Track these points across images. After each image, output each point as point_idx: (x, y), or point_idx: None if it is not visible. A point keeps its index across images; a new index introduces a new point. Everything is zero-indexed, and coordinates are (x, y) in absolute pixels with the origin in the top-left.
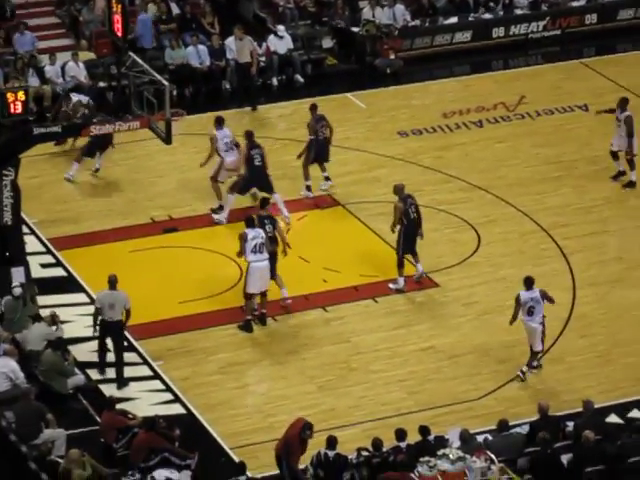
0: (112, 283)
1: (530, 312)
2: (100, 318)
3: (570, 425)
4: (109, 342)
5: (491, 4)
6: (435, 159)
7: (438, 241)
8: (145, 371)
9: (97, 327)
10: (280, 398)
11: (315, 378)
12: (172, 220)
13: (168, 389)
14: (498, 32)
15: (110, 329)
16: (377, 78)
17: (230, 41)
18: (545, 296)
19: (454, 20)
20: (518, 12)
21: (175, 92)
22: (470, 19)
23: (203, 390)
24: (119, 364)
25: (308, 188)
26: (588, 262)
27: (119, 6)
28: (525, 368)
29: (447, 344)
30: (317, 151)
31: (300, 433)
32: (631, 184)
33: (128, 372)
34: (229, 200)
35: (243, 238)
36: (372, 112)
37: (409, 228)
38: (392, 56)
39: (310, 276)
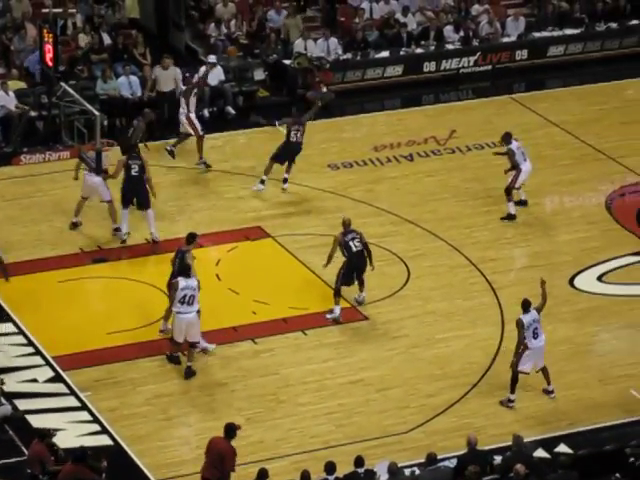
0: None
1: (535, 335)
2: None
3: (498, 459)
4: None
5: (422, 41)
6: (366, 192)
7: (368, 274)
8: (72, 402)
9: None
10: (208, 430)
11: (243, 410)
12: (101, 250)
13: (95, 420)
14: (429, 66)
15: None
16: (308, 111)
17: (158, 71)
18: (539, 311)
19: (386, 54)
20: (449, 47)
21: (106, 122)
22: (402, 53)
23: (131, 421)
24: None
25: (262, 182)
26: (517, 297)
27: (50, 36)
28: (551, 387)
29: (376, 377)
30: (286, 152)
31: (228, 440)
32: (510, 217)
33: (55, 403)
34: (123, 215)
35: (173, 287)
36: (303, 145)
37: (350, 261)
38: (323, 89)
39: (239, 308)
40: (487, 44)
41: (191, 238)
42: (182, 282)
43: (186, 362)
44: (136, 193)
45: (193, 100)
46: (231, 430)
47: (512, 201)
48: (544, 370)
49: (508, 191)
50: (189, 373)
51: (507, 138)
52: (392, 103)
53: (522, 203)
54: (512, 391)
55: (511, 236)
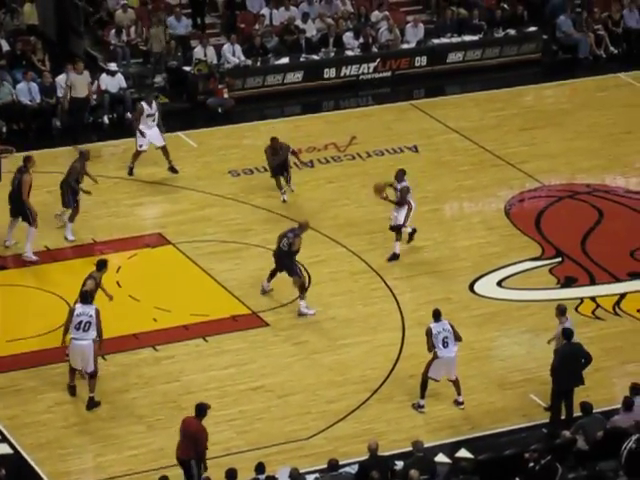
0: None
1: (445, 343)
2: None
3: (399, 464)
4: None
5: (322, 48)
6: (266, 199)
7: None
8: None
9: None
10: (109, 437)
11: (145, 417)
12: (1, 258)
13: None
14: (329, 73)
15: None
16: (209, 117)
17: (61, 78)
18: (454, 330)
19: (286, 60)
20: (349, 53)
21: (4, 129)
22: (301, 59)
23: (31, 429)
24: None
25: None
26: (417, 302)
27: None
28: (461, 398)
29: (277, 383)
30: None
31: (200, 420)
32: (395, 256)
33: None
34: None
35: (70, 312)
36: (203, 151)
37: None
38: (224, 95)
39: (140, 315)
40: (387, 50)
41: (102, 264)
42: (78, 308)
43: (88, 393)
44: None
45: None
46: (202, 409)
47: (400, 240)
48: (455, 382)
49: (398, 229)
50: (91, 404)
51: (401, 175)
52: (292, 109)
53: (413, 232)
54: (422, 396)
55: (411, 242)
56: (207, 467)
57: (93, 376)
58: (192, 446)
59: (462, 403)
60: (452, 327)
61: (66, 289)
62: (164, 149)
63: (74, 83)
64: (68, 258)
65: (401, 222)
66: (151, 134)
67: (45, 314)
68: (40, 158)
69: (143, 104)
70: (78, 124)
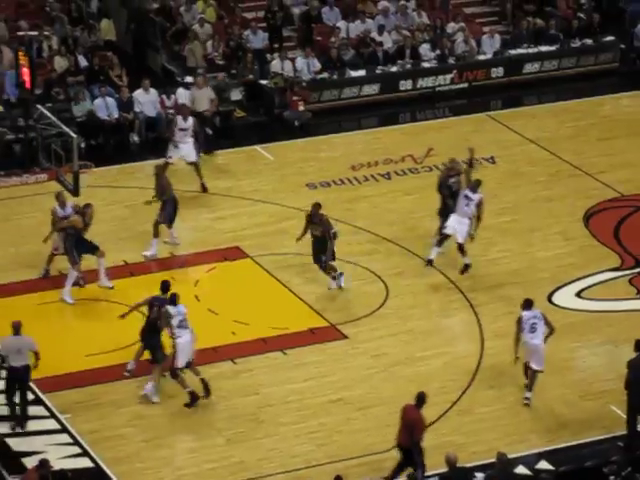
0: (16, 329)
1: (533, 329)
2: (6, 366)
3: (478, 476)
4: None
5: (398, 60)
6: (344, 211)
7: (347, 293)
8: (52, 424)
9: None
10: (188, 451)
11: (224, 431)
12: (79, 272)
13: (76, 442)
14: (406, 85)
15: (17, 375)
16: (285, 130)
17: (138, 93)
18: (545, 319)
19: (362, 73)
20: (425, 65)
21: (83, 144)
22: (378, 72)
23: (111, 443)
24: (25, 409)
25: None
26: (495, 314)
27: (26, 58)
28: (529, 394)
29: (356, 396)
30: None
31: (418, 409)
32: (467, 267)
33: (35, 426)
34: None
35: (165, 316)
36: (280, 164)
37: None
38: (300, 108)
39: (219, 328)
40: (463, 62)
41: (165, 287)
42: (172, 309)
43: (184, 389)
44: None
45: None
46: (421, 398)
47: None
48: (532, 374)
49: (462, 247)
50: (193, 399)
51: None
52: (369, 122)
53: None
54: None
55: (489, 254)
56: (424, 456)
57: (176, 375)
58: (409, 434)
59: (529, 400)
60: (544, 316)
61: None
62: (196, 166)
63: (195, 97)
64: (146, 272)
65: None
66: (184, 148)
67: (123, 328)
68: (118, 173)
69: (178, 117)
70: (201, 137)
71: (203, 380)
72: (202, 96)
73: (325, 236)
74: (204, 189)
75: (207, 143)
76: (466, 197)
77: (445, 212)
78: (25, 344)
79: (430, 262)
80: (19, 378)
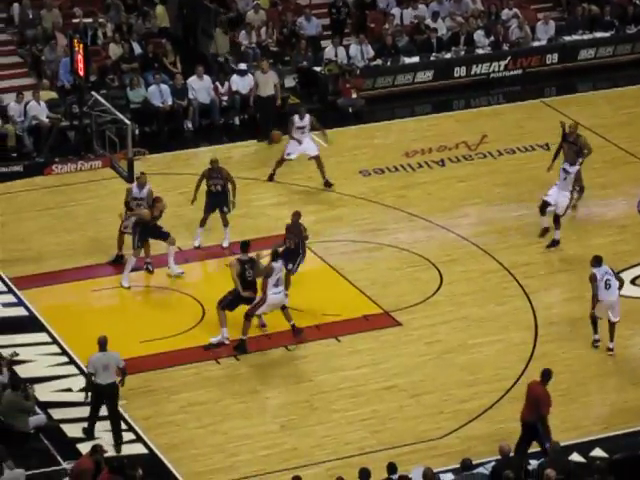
0: (102, 344)
1: (608, 285)
2: (94, 383)
3: (533, 463)
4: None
5: (452, 47)
6: (397, 198)
7: (400, 280)
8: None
9: (89, 393)
10: (242, 437)
11: (277, 417)
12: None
13: (130, 429)
14: (460, 72)
15: (104, 393)
16: (339, 117)
17: (192, 80)
18: (615, 273)
19: (416, 60)
20: (479, 52)
21: (137, 131)
22: (432, 58)
23: (165, 430)
24: (117, 426)
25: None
26: (549, 301)
27: (81, 46)
28: (612, 344)
29: (409, 383)
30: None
31: (544, 385)
32: (555, 243)
33: (87, 412)
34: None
35: (267, 272)
36: (334, 151)
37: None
38: (354, 95)
39: (273, 315)
40: (517, 48)
41: (244, 246)
42: (275, 265)
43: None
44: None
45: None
46: (547, 375)
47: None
48: (613, 325)
49: (558, 220)
50: (241, 347)
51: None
52: (423, 109)
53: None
54: (595, 332)
55: (544, 240)
56: (550, 431)
57: (249, 318)
58: (535, 409)
59: (612, 350)
60: (612, 271)
61: (199, 289)
62: (318, 160)
63: (259, 82)
64: (200, 259)
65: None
66: (304, 144)
67: (177, 315)
68: (172, 160)
69: (295, 117)
70: (263, 122)
71: (293, 326)
72: (267, 80)
73: (298, 248)
74: (328, 185)
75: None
76: (564, 170)
77: None
78: (112, 359)
79: (545, 230)
80: (106, 396)
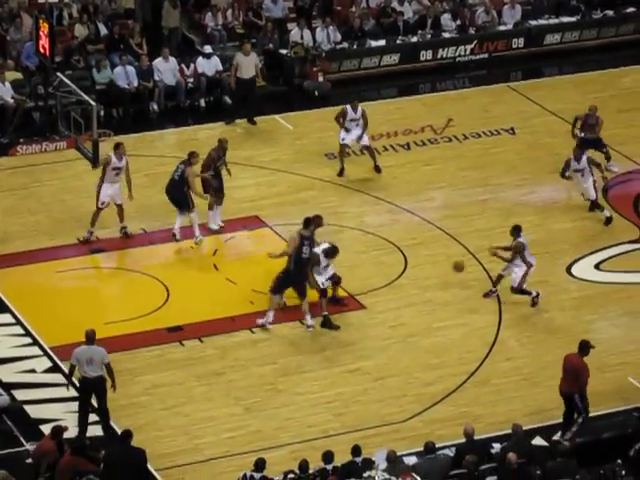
0: (90, 338)
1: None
2: (80, 376)
3: (497, 447)
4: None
5: (419, 30)
6: (363, 181)
7: (365, 263)
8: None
9: (71, 385)
10: (206, 420)
11: (241, 400)
12: (99, 241)
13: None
14: (426, 55)
15: (92, 385)
16: (305, 100)
17: (158, 62)
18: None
19: (382, 43)
20: (446, 36)
21: (102, 113)
22: (398, 42)
23: (129, 412)
24: (106, 420)
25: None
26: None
27: (46, 26)
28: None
29: (374, 366)
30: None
31: (581, 356)
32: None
33: (53, 393)
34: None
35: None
36: (300, 134)
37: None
38: (320, 78)
39: (237, 297)
40: (483, 32)
41: (307, 222)
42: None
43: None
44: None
45: None
46: (585, 347)
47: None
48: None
49: (520, 291)
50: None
51: (517, 231)
52: (389, 92)
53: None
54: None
55: (508, 224)
56: (588, 403)
57: (325, 295)
58: (574, 381)
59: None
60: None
61: (163, 271)
62: (369, 149)
63: (240, 64)
64: (165, 241)
65: (516, 283)
66: (354, 133)
67: (141, 297)
68: (137, 142)
69: (347, 107)
70: (244, 105)
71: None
72: (249, 62)
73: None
74: (378, 170)
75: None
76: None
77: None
78: (97, 354)
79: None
80: (92, 389)
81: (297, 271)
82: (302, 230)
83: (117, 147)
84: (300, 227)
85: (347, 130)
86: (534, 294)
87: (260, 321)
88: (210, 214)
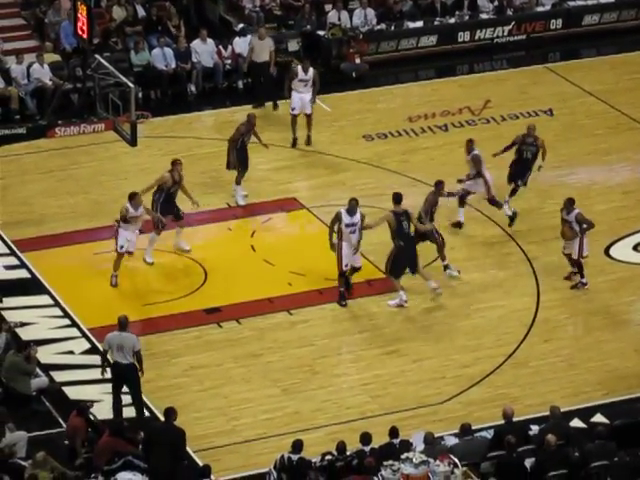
0: (122, 324)
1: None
2: (112, 361)
3: (535, 429)
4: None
5: (456, 11)
6: (400, 163)
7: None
8: (108, 374)
9: (106, 369)
10: (244, 401)
11: (279, 381)
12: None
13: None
14: (464, 36)
15: (123, 372)
16: (343, 82)
17: (196, 44)
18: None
19: (420, 24)
20: (484, 17)
21: (140, 94)
22: (436, 23)
23: (166, 393)
24: (138, 405)
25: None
26: (552, 267)
27: (84, 8)
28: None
29: (411, 348)
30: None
31: None
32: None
33: (91, 375)
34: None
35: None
36: (337, 116)
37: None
38: (358, 60)
39: (275, 279)
40: (521, 13)
41: (398, 198)
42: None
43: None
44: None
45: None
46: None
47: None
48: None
49: (462, 198)
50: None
51: (470, 145)
52: (426, 73)
53: (513, 216)
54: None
55: (546, 206)
56: None
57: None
58: None
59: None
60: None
61: (201, 253)
62: (308, 118)
63: (255, 47)
64: (202, 223)
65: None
66: (302, 98)
67: (180, 278)
68: (175, 124)
69: (298, 68)
70: (257, 87)
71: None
72: (263, 46)
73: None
74: (309, 142)
75: (265, 94)
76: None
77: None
78: (127, 342)
79: None
80: (123, 375)
81: (408, 247)
82: (394, 207)
83: (132, 197)
84: (392, 205)
85: (300, 94)
86: (511, 213)
87: (393, 302)
88: (238, 189)
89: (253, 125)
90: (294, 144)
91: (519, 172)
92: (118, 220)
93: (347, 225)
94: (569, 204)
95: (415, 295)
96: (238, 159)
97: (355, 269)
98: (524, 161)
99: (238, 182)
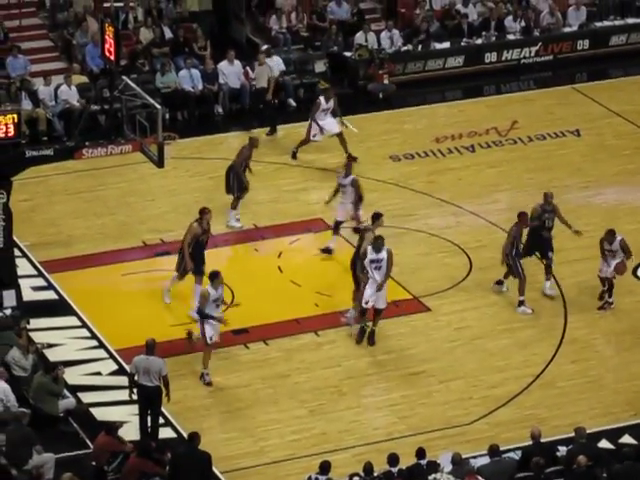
0: (149, 348)
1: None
2: (139, 384)
3: (562, 450)
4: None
5: (483, 32)
6: (427, 184)
7: (430, 265)
8: (136, 396)
9: (133, 392)
10: (271, 422)
11: (306, 402)
12: (164, 243)
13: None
14: (490, 57)
15: (148, 395)
16: (369, 102)
17: (223, 65)
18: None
19: (446, 45)
20: (510, 37)
21: (167, 116)
22: (462, 44)
23: (194, 414)
24: (154, 429)
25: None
26: (579, 287)
27: (111, 30)
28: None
29: (439, 368)
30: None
31: None
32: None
33: (119, 396)
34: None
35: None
36: (364, 136)
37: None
38: (385, 80)
39: (302, 300)
40: (548, 34)
41: (376, 217)
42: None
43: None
44: None
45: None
46: None
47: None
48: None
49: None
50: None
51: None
52: (453, 94)
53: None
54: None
55: (574, 227)
56: None
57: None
58: None
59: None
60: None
61: (228, 274)
62: (340, 137)
63: (255, 73)
64: (229, 244)
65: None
66: (326, 123)
67: None
68: (202, 145)
69: (321, 99)
70: (258, 114)
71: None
72: (262, 73)
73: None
74: (351, 158)
75: (269, 120)
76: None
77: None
78: (154, 366)
79: None
80: (149, 398)
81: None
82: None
83: (214, 277)
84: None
85: (318, 125)
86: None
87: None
88: (232, 213)
89: (256, 148)
90: (294, 156)
91: (541, 244)
92: (201, 311)
93: (372, 261)
94: (610, 235)
95: (443, 316)
96: (240, 183)
97: (378, 311)
98: (548, 230)
99: (235, 207)
